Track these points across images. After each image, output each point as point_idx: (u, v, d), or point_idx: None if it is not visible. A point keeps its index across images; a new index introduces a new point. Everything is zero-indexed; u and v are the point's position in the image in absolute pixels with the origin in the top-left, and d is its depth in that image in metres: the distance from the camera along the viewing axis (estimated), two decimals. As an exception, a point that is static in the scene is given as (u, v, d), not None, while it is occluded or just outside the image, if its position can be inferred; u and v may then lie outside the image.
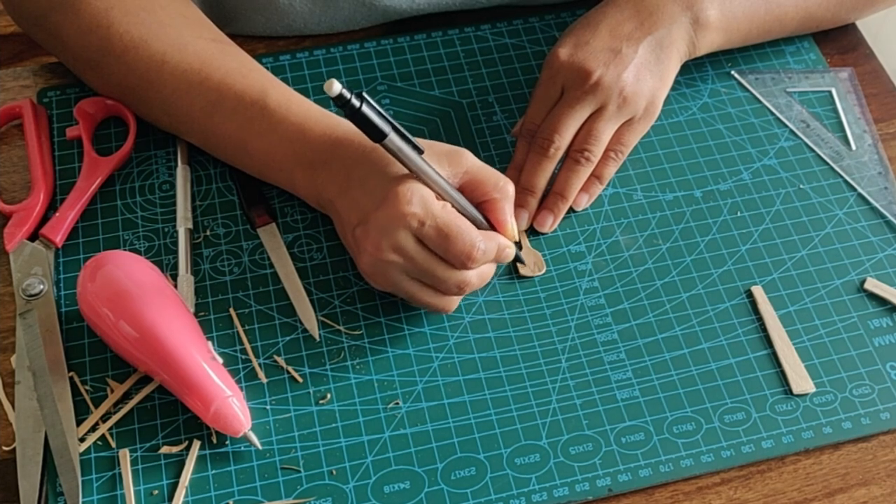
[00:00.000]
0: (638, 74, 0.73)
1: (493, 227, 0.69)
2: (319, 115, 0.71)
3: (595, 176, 0.76)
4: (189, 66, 0.72)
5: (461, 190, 0.68)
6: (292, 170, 0.71)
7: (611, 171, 0.76)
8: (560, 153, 0.74)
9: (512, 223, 0.69)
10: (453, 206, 0.66)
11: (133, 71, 0.73)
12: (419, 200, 0.64)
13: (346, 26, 0.86)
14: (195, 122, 0.73)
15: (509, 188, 0.69)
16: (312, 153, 0.70)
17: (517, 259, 0.73)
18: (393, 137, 0.62)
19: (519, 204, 0.74)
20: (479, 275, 0.68)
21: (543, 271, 0.74)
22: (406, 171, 0.65)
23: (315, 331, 0.70)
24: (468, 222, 0.66)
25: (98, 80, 0.77)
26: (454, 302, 0.70)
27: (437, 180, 0.65)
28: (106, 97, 0.78)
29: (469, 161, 0.68)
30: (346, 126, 0.70)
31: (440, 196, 0.66)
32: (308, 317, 0.71)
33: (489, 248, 0.66)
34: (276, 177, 0.73)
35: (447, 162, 0.67)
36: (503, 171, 0.74)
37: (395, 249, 0.65)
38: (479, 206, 0.69)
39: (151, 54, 0.72)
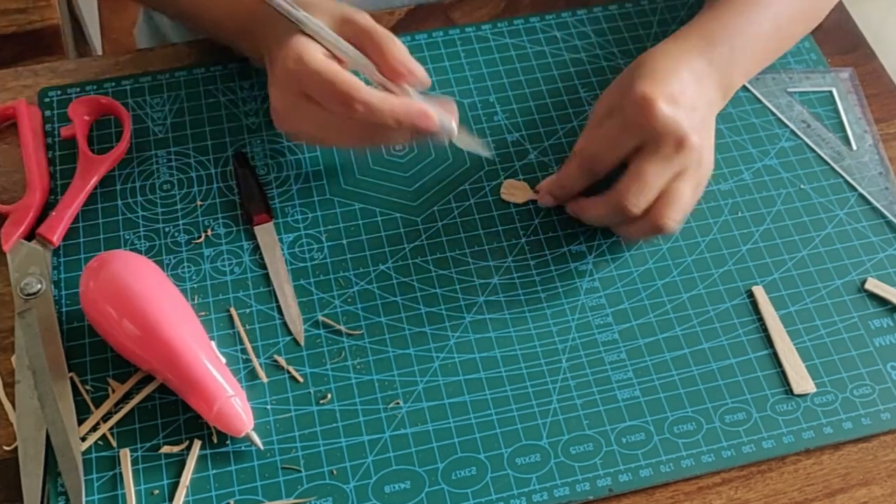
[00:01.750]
0: (710, 137, 0.72)
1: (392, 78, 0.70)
2: None
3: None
4: None
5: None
6: (236, 25, 0.76)
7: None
8: (637, 216, 0.70)
9: (409, 67, 0.69)
10: (347, 62, 0.69)
11: None
12: (295, 60, 0.67)
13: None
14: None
15: (397, 42, 0.69)
16: (244, 19, 0.74)
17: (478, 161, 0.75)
18: None
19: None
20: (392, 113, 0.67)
21: (526, 199, 0.76)
22: (291, 37, 0.68)
23: (300, 335, 0.70)
24: (348, 73, 0.67)
25: None
26: (395, 134, 0.70)
27: (327, 38, 0.69)
28: None
29: (362, 22, 0.70)
30: None
31: (335, 56, 0.69)
32: (293, 319, 0.71)
33: (379, 94, 0.67)
34: (234, 39, 0.79)
35: (338, 23, 0.70)
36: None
37: (286, 108, 0.69)
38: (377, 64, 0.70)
39: None
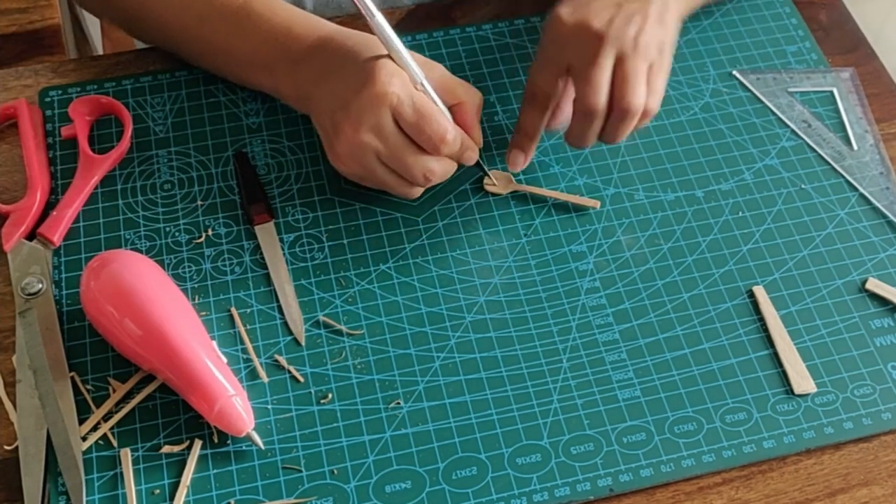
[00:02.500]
0: (642, 24, 0.72)
1: None
2: (303, 16, 0.76)
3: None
4: None
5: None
6: (276, 66, 0.75)
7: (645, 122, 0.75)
8: (605, 112, 0.72)
9: (478, 129, 0.74)
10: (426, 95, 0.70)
11: None
12: (399, 82, 0.68)
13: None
14: (187, 33, 0.79)
15: (477, 96, 0.73)
16: (296, 49, 0.74)
17: (480, 167, 0.76)
18: (380, 19, 0.68)
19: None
20: (443, 166, 0.71)
21: (509, 190, 0.77)
22: (385, 58, 0.69)
23: (301, 335, 0.70)
24: (441, 110, 0.70)
25: (95, 5, 0.83)
26: (418, 191, 0.74)
27: (415, 68, 0.70)
28: (109, 22, 0.85)
29: (441, 69, 0.73)
30: (329, 26, 0.74)
31: (415, 85, 0.70)
32: (294, 319, 0.71)
33: (458, 138, 0.71)
34: (260, 78, 0.77)
35: (421, 64, 0.71)
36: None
37: (373, 129, 0.68)
38: (448, 109, 0.72)
39: None
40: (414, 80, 0.70)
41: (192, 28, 0.78)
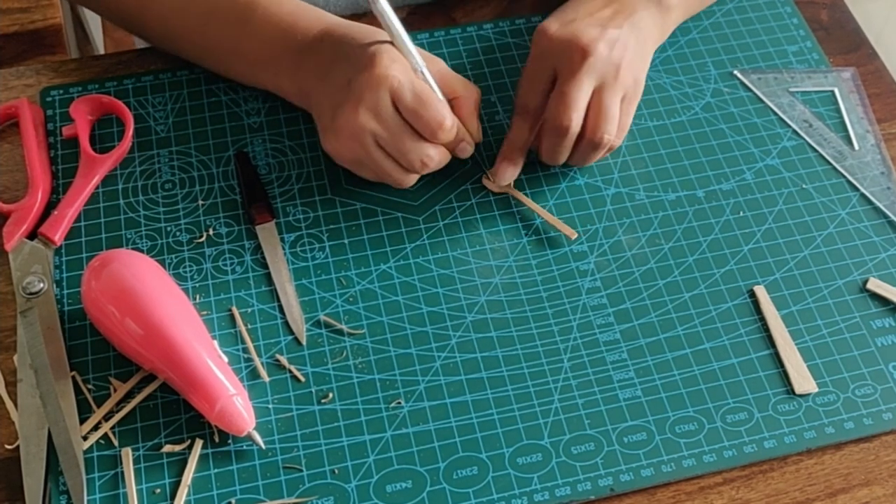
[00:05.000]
0: (624, 52, 0.73)
1: None
2: (308, 9, 0.76)
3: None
4: None
5: None
6: (281, 61, 0.75)
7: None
8: (577, 132, 0.73)
9: (476, 124, 0.74)
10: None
11: None
12: (400, 67, 0.69)
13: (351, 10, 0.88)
14: (191, 33, 0.78)
15: (475, 92, 0.74)
16: (302, 42, 0.74)
17: (477, 163, 0.76)
18: (383, 4, 0.69)
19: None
20: (440, 154, 0.71)
21: (504, 190, 0.77)
22: (387, 44, 0.70)
23: (301, 334, 0.70)
24: (440, 99, 0.71)
25: (98, 6, 0.82)
26: (413, 178, 0.73)
27: (416, 56, 0.70)
28: (107, 20, 0.85)
29: (442, 64, 0.73)
30: (333, 18, 0.75)
31: (416, 73, 0.71)
32: (295, 318, 0.71)
33: (455, 127, 0.71)
34: (264, 76, 0.77)
35: (422, 57, 0.72)
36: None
37: (372, 110, 0.68)
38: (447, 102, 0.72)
39: None
40: (414, 68, 0.70)
41: (196, 26, 0.78)
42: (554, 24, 0.74)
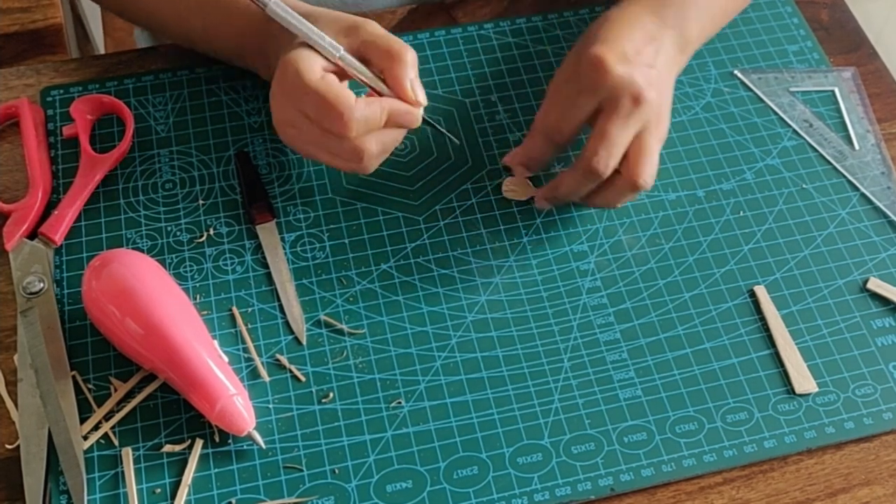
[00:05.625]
0: (665, 96, 0.72)
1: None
2: None
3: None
4: None
5: (362, 61, 0.69)
6: (246, 45, 0.76)
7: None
8: (606, 177, 0.71)
9: (413, 88, 0.69)
10: (350, 73, 0.69)
11: None
12: (293, 74, 0.67)
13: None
14: (172, 25, 0.81)
15: (407, 55, 0.69)
16: (265, 26, 0.73)
17: (430, 125, 0.72)
18: (273, 6, 0.68)
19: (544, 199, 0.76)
20: (378, 141, 0.69)
21: (529, 195, 0.77)
22: (296, 47, 0.68)
23: (302, 334, 0.70)
24: (345, 90, 0.67)
25: None
26: (370, 163, 0.70)
27: (329, 45, 0.68)
28: (108, 8, 0.88)
29: (368, 31, 0.69)
30: (302, 6, 0.72)
31: (337, 66, 0.68)
32: (295, 318, 0.71)
33: (370, 114, 0.67)
34: (247, 60, 0.78)
35: (343, 34, 0.69)
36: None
37: (288, 123, 0.70)
38: (381, 75, 0.70)
39: None
40: (331, 57, 0.68)
41: (174, 21, 0.79)
42: (610, 56, 0.69)
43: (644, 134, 0.70)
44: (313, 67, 0.67)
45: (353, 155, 0.69)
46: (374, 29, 0.70)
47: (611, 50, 0.70)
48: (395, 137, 0.71)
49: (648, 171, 0.70)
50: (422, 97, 0.70)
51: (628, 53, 0.70)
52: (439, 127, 0.74)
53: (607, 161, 0.69)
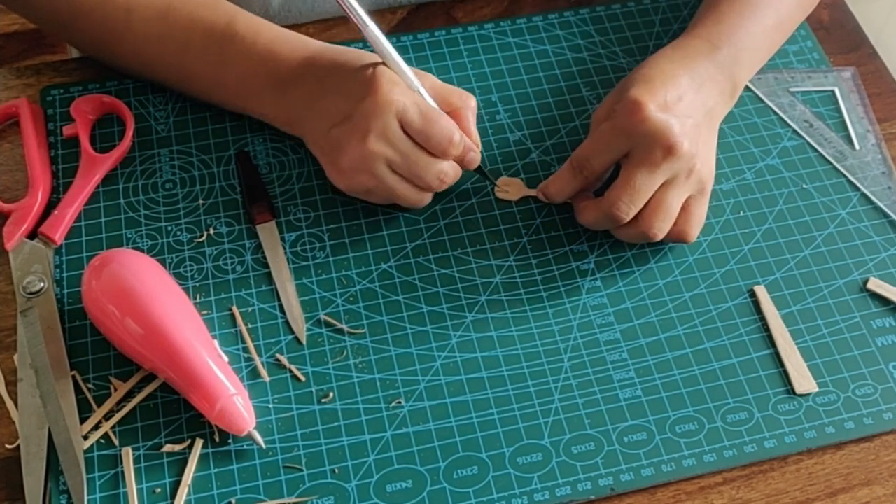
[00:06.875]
0: (704, 149, 0.72)
1: None
2: (289, 36, 0.74)
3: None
4: (155, 12, 0.74)
5: None
6: (263, 92, 0.74)
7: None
8: (626, 221, 0.71)
9: (476, 133, 0.73)
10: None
11: (103, 26, 0.75)
12: (400, 87, 0.68)
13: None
14: (168, 64, 0.76)
15: (472, 101, 0.73)
16: (285, 71, 0.73)
17: (482, 173, 0.75)
18: (374, 28, 0.69)
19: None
20: (453, 169, 0.71)
21: (520, 196, 0.77)
22: (382, 66, 0.69)
23: (302, 334, 0.70)
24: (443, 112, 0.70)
25: (73, 40, 0.82)
26: (428, 197, 0.73)
27: (411, 76, 0.70)
28: (87, 55, 0.82)
29: (433, 78, 0.73)
30: (316, 44, 0.73)
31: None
32: (295, 318, 0.71)
33: (462, 140, 0.71)
34: (248, 105, 0.76)
35: (414, 72, 0.71)
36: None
37: (382, 136, 0.68)
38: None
39: (116, 7, 0.74)
40: (411, 87, 0.70)
41: (173, 58, 0.75)
42: (649, 102, 0.69)
43: (669, 186, 0.70)
44: (410, 89, 0.70)
45: (436, 180, 0.71)
46: (436, 79, 0.73)
47: (651, 95, 0.70)
48: (458, 174, 0.73)
49: (660, 226, 0.71)
50: (479, 144, 0.74)
51: (669, 101, 0.70)
52: (485, 171, 0.76)
53: (628, 210, 0.70)
